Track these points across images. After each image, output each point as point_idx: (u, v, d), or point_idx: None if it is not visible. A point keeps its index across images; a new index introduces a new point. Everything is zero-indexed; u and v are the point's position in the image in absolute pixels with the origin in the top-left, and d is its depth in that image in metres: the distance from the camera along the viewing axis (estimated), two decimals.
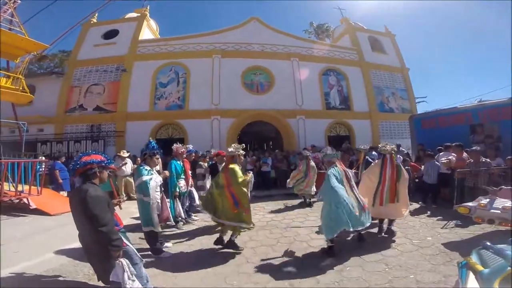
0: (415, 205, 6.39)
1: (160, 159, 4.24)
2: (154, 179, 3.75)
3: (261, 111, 12.30)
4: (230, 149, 4.11)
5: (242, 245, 4.05)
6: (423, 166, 6.85)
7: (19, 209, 5.96)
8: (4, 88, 7.20)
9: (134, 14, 14.98)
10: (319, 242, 4.09)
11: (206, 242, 4.35)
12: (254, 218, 5.67)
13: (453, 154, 6.23)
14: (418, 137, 9.45)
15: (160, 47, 13.16)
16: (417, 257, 3.50)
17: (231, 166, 3.95)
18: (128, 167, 8.25)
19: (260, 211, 6.43)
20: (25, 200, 6.00)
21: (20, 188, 5.95)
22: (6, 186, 5.92)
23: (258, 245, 4.17)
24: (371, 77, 14.32)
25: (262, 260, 3.60)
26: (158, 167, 4.42)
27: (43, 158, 8.46)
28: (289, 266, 3.38)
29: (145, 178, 3.68)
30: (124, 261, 2.12)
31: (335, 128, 13.38)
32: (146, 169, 3.80)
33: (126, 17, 14.94)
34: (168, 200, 4.78)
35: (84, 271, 3.23)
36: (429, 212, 5.82)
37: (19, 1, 7.97)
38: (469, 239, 4.03)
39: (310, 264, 3.41)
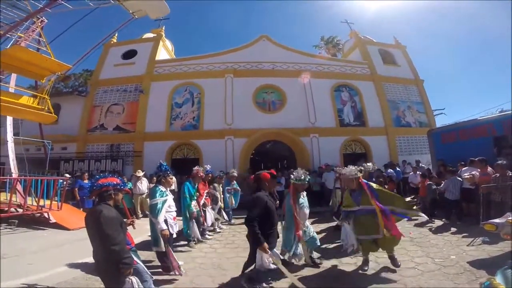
0: (438, 222, 6.10)
1: (174, 178, 4.32)
2: (168, 200, 3.86)
3: (273, 130, 12.32)
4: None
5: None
6: (443, 183, 6.55)
7: (40, 222, 6.21)
8: (31, 108, 7.64)
9: (150, 35, 15.82)
10: (332, 262, 3.96)
11: (217, 261, 4.33)
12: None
13: (477, 169, 5.96)
14: (437, 152, 9.11)
15: (175, 67, 13.75)
16: (439, 276, 3.29)
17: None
18: (144, 185, 8.41)
19: None
20: (45, 214, 6.23)
21: (41, 203, 6.20)
22: (29, 201, 6.17)
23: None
24: (384, 91, 14.14)
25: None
26: (173, 186, 4.50)
27: (67, 175, 8.85)
28: None
29: (157, 200, 3.77)
30: (134, 279, 2.19)
31: (350, 145, 13.12)
32: (162, 191, 3.90)
33: (143, 37, 15.77)
34: (180, 219, 4.89)
35: (95, 285, 3.26)
36: (453, 229, 5.51)
37: (46, 20, 8.53)
38: (498, 256, 3.77)
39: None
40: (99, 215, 2.15)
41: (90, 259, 3.56)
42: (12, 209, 5.88)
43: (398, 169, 10.70)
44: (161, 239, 3.63)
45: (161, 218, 3.64)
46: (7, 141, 8.24)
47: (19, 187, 6.49)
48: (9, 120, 8.45)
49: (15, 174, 7.73)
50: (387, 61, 15.41)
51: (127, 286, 2.12)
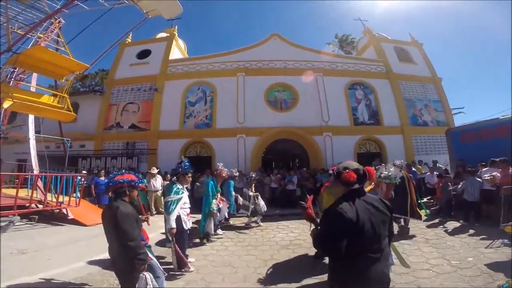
0: (455, 224, 5.92)
1: (190, 178, 4.32)
2: (183, 198, 3.91)
3: (285, 128, 12.24)
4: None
5: (262, 264, 4.03)
6: (461, 183, 6.35)
7: (58, 218, 6.43)
8: (51, 106, 7.92)
9: (164, 34, 16.04)
10: None
11: (228, 259, 4.37)
12: (277, 237, 5.63)
13: (499, 169, 5.74)
14: (456, 152, 8.83)
15: (188, 66, 13.89)
16: (455, 279, 3.21)
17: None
18: (158, 183, 8.58)
19: (284, 230, 6.30)
20: (64, 210, 6.45)
21: (60, 199, 6.42)
22: (49, 197, 6.41)
23: (280, 265, 4.06)
24: (400, 89, 13.76)
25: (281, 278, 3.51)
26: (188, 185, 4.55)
27: (85, 172, 9.13)
28: None
29: (171, 198, 3.83)
30: (148, 275, 2.22)
31: (364, 144, 12.85)
32: (178, 188, 3.96)
33: (157, 37, 16.00)
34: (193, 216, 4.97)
35: (110, 281, 3.36)
36: (471, 231, 5.35)
37: (63, 21, 8.81)
38: None
39: None
40: (116, 211, 2.19)
41: (105, 255, 3.65)
42: (33, 205, 6.12)
43: (413, 169, 10.40)
44: (169, 236, 3.68)
45: (173, 216, 3.69)
46: (29, 139, 8.58)
47: (40, 183, 6.74)
48: (31, 118, 8.78)
49: (36, 171, 8.04)
50: (403, 58, 14.97)
51: (141, 281, 2.15)
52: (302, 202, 2.19)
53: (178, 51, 16.18)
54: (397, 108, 13.29)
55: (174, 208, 3.74)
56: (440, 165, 10.07)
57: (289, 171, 10.88)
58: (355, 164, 1.72)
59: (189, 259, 4.15)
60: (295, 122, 12.32)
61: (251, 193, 7.07)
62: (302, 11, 71.92)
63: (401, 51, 15.29)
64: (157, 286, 2.30)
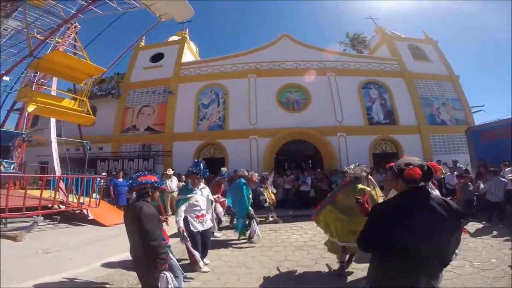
0: (478, 225, 5.73)
1: (199, 179, 4.19)
2: (193, 198, 3.89)
3: (298, 129, 12.15)
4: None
5: (276, 265, 4.06)
6: (485, 183, 6.12)
7: (79, 219, 6.65)
8: (72, 110, 8.19)
9: (176, 37, 16.35)
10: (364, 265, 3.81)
11: (243, 259, 4.40)
12: (291, 238, 5.61)
13: None
14: (477, 152, 8.52)
15: (200, 68, 14.07)
16: (477, 280, 3.13)
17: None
18: (174, 184, 8.73)
19: (298, 231, 6.27)
20: (84, 211, 6.67)
21: (81, 200, 6.65)
22: (70, 198, 6.63)
23: (294, 266, 4.05)
24: (416, 88, 13.41)
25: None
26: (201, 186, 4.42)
27: (105, 174, 9.39)
28: None
29: (180, 197, 3.91)
30: (169, 274, 2.27)
31: (380, 144, 12.58)
32: (188, 189, 4.00)
33: (169, 40, 16.32)
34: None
35: (129, 281, 3.44)
36: (495, 232, 5.17)
37: (79, 26, 9.09)
38: None
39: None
40: (140, 211, 2.24)
41: (124, 255, 3.78)
42: (55, 206, 6.36)
43: None
44: (182, 234, 3.66)
45: (178, 216, 3.70)
46: (51, 142, 8.92)
47: (62, 185, 7.00)
48: (53, 121, 9.11)
49: (58, 173, 8.35)
50: (418, 56, 14.59)
51: (162, 281, 2.20)
52: (359, 197, 2.11)
53: (190, 53, 16.42)
54: (413, 107, 12.97)
55: (179, 207, 3.78)
56: (461, 165, 9.74)
57: (303, 172, 10.82)
58: (417, 160, 1.58)
59: (205, 260, 4.16)
60: (308, 123, 12.23)
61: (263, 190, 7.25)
62: (310, 11, 71.38)
63: (416, 49, 14.92)
64: (177, 286, 2.35)
